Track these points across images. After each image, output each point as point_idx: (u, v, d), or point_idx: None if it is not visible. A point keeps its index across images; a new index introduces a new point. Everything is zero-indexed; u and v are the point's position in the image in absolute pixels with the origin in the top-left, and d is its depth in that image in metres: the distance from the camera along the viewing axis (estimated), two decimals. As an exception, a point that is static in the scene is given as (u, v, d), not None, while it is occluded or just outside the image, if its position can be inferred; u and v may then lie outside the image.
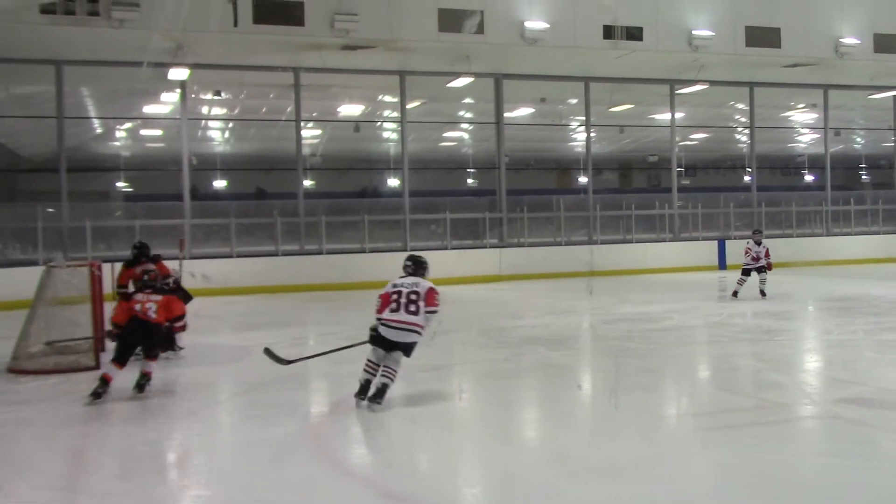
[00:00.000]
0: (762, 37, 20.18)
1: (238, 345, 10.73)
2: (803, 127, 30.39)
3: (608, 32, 18.78)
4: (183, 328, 9.34)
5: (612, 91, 23.53)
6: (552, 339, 10.87)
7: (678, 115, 23.79)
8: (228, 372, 9.20)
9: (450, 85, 20.53)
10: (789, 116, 29.62)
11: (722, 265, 22.08)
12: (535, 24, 18.06)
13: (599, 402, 7.67)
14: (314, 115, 24.23)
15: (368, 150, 29.56)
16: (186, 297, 9.41)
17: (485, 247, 20.80)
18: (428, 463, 5.71)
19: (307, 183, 21.92)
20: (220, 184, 30.41)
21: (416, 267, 7.61)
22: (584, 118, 22.81)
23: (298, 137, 19.79)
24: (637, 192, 32.06)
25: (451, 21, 17.61)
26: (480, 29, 17.86)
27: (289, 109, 20.75)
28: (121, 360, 7.51)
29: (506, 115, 22.07)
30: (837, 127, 27.78)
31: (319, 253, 19.20)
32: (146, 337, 7.70)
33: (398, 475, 5.35)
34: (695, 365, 9.42)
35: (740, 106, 25.62)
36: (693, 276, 20.07)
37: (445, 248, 20.31)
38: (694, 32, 19.48)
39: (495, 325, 12.39)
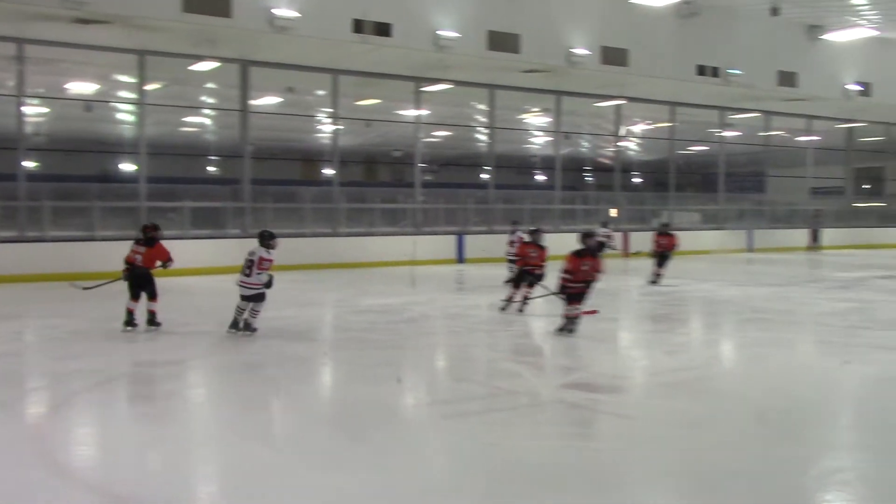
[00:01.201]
0: (503, 42, 21.15)
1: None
2: (538, 130, 32.28)
3: (358, 26, 18.86)
4: None
5: (359, 85, 23.70)
6: (295, 331, 10.77)
7: (423, 112, 24.40)
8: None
9: (193, 68, 19.74)
10: (525, 119, 31.36)
11: (460, 259, 22.92)
12: (285, 11, 17.78)
13: (342, 394, 7.67)
14: (40, 91, 22.34)
15: (101, 132, 27.69)
16: None
17: (226, 237, 20.20)
18: (160, 463, 5.42)
19: (30, 164, 20.17)
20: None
21: (261, 239, 10.09)
22: (331, 110, 22.80)
23: (20, 114, 18.18)
24: (382, 185, 32.56)
25: (196, 1, 16.88)
26: (227, 12, 17.29)
27: (11, 83, 18.96)
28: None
29: (252, 102, 21.56)
30: (567, 131, 29.75)
31: (42, 240, 17.74)
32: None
33: (127, 476, 5.04)
34: (433, 355, 9.69)
35: (481, 106, 26.72)
36: (433, 269, 20.66)
37: (185, 238, 19.49)
38: (440, 33, 20.05)
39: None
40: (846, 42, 26.85)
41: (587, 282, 10.20)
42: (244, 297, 10.06)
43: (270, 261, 9.97)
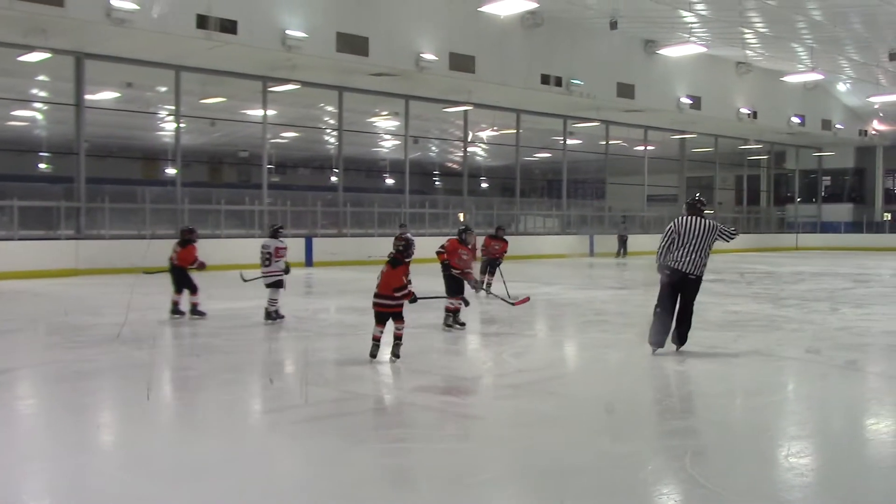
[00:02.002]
0: (352, 44, 21.08)
1: None
2: (386, 133, 32.36)
3: (202, 22, 18.34)
4: None
5: (204, 82, 23.04)
6: (134, 336, 10.29)
7: (270, 112, 23.98)
8: None
9: (22, 59, 18.62)
10: (374, 122, 31.38)
11: (309, 262, 22.68)
12: (123, 3, 17.05)
13: (183, 401, 7.40)
14: None
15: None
16: None
17: (59, 238, 19.14)
18: (-14, 478, 5.04)
19: None
20: None
21: (273, 233, 11.84)
22: (173, 107, 22.03)
23: None
24: (227, 186, 31.77)
25: (26, -12, 15.95)
26: (60, 1, 16.40)
27: None
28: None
29: (88, 97, 20.55)
30: (416, 135, 30.01)
31: None
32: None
33: (-56, 496, 4.65)
34: (282, 360, 9.50)
35: (330, 108, 26.54)
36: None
37: (12, 239, 18.33)
38: (288, 32, 19.78)
39: (70, 324, 11.44)
40: (679, 57, 28.38)
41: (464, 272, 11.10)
42: (267, 286, 11.34)
43: (285, 248, 11.47)
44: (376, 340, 8.58)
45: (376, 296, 8.59)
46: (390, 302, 8.52)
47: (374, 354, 8.54)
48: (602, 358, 9.49)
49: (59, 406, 6.99)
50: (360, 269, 16.34)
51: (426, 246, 14.10)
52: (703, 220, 9.06)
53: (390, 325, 8.63)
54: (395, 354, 8.60)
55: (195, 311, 11.82)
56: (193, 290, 11.85)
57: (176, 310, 11.82)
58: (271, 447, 5.74)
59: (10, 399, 7.24)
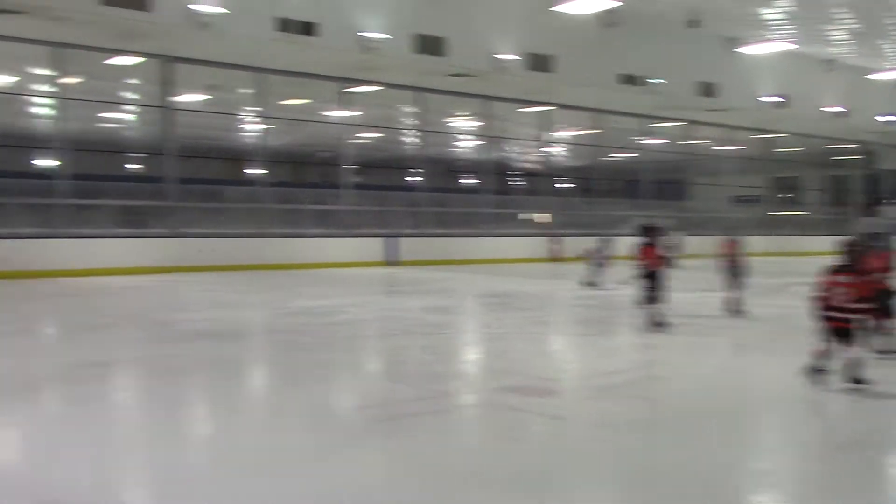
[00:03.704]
0: (429, 45, 21.15)
1: None
2: (466, 133, 32.39)
3: (283, 25, 18.63)
4: None
5: (286, 84, 23.41)
6: (222, 333, 10.49)
7: (352, 112, 24.23)
8: None
9: (112, 62, 19.20)
10: (453, 122, 31.43)
11: (391, 261, 22.83)
12: (207, 7, 17.43)
13: (273, 396, 7.50)
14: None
15: (14, 126, 26.68)
16: None
17: (149, 236, 19.68)
18: (89, 466, 5.18)
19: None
20: None
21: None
22: (258, 109, 22.44)
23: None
24: (310, 186, 32.20)
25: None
26: (145, 6, 16.87)
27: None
28: None
29: (175, 99, 21.08)
30: (495, 136, 29.95)
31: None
32: None
33: (56, 481, 4.80)
34: (366, 357, 9.56)
35: (409, 109, 26.68)
36: (364, 271, 20.52)
37: (105, 237, 18.91)
38: (366, 34, 19.95)
39: (161, 319, 11.73)
40: (764, 55, 27.66)
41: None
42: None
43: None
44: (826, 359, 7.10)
45: (833, 308, 7.00)
46: (853, 316, 6.97)
47: (818, 374, 7.17)
48: (697, 361, 9.28)
49: (152, 399, 7.15)
50: (441, 268, 16.42)
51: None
52: None
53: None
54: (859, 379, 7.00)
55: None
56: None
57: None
58: (359, 444, 5.75)
59: (107, 391, 7.44)
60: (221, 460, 5.33)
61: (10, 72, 22.28)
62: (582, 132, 31.48)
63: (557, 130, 31.95)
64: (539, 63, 23.33)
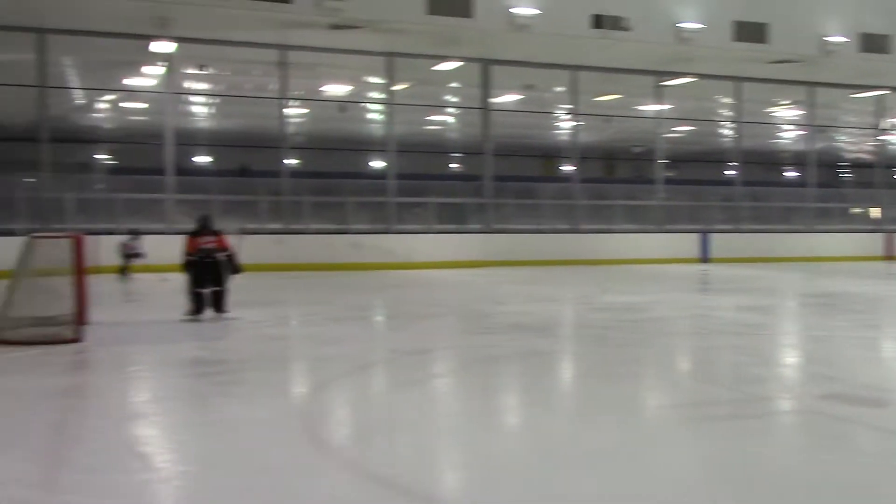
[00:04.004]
0: (749, 32, 20.23)
1: (221, 323, 10.65)
2: (787, 123, 30.54)
3: (597, 21, 18.75)
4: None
5: (598, 80, 23.53)
6: (536, 326, 10.86)
7: (663, 106, 23.84)
8: (212, 349, 9.14)
9: (437, 68, 20.46)
10: (773, 112, 29.76)
11: (704, 258, 22.21)
12: (524, 10, 18.00)
13: (583, 390, 7.67)
14: (299, 93, 24.03)
15: (354, 131, 29.36)
16: (236, 269, 10.73)
17: (468, 232, 20.79)
18: (410, 447, 5.67)
19: (292, 162, 21.79)
20: (203, 160, 30.09)
21: None
22: (570, 106, 22.79)
23: (283, 115, 19.66)
24: (621, 182, 32.11)
25: (440, 3, 17.49)
26: (469, 13, 17.78)
27: (274, 87, 20.57)
28: None
29: (493, 100, 22.03)
30: (821, 125, 27.96)
31: (302, 232, 19.12)
32: None
33: (380, 458, 5.30)
34: (677, 356, 9.43)
35: (725, 100, 25.69)
36: (676, 267, 20.15)
37: (429, 233, 20.28)
38: (682, 25, 19.50)
39: (479, 311, 12.37)
40: None
41: None
42: None
43: None
44: None
45: None
46: None
47: None
48: None
49: (469, 386, 7.61)
50: (760, 266, 15.68)
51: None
52: None
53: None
54: None
55: None
56: None
57: None
58: (670, 444, 5.73)
59: (429, 377, 8.03)
60: (532, 450, 5.55)
61: (350, 82, 24.55)
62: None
63: (894, 116, 29.09)
64: (873, 44, 21.42)
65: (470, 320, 11.66)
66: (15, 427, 5.83)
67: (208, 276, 10.69)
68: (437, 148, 31.98)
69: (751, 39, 20.31)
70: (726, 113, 26.33)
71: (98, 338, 9.13)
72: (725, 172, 26.54)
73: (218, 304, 10.75)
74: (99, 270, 16.26)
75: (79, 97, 25.45)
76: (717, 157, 28.35)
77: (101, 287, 14.07)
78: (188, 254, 10.76)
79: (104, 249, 15.82)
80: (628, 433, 5.85)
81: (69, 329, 8.83)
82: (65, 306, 8.92)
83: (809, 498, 4.63)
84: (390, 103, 20.82)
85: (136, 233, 16.25)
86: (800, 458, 5.48)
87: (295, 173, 21.38)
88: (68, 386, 7.23)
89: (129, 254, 16.15)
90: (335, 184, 21.98)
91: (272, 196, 19.35)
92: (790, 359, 9.32)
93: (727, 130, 26.63)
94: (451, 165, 32.52)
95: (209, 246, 10.68)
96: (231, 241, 11.14)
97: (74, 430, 5.89)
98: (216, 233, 10.87)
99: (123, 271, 16.25)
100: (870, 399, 6.99)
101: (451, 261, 19.19)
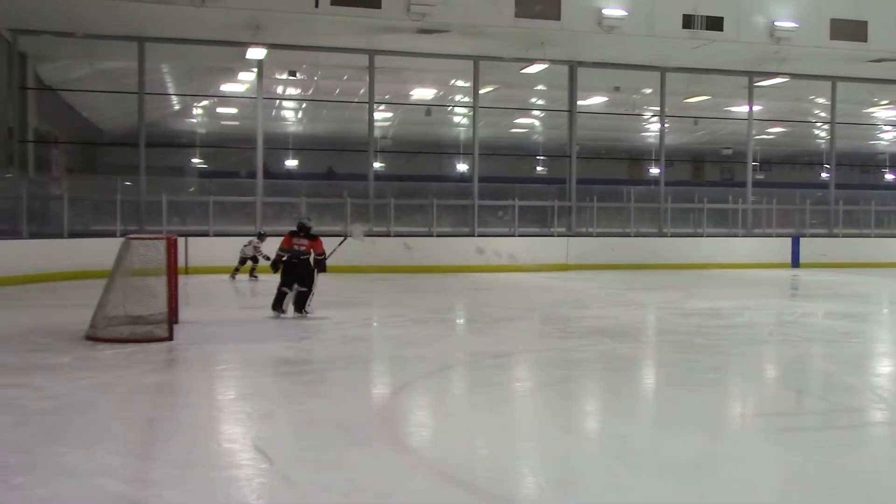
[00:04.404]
0: (847, 30, 19.58)
1: (306, 323, 10.88)
2: (886, 124, 29.47)
3: (687, 22, 18.44)
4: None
5: (688, 82, 23.12)
6: (618, 330, 10.76)
7: (755, 108, 23.28)
8: (297, 349, 9.35)
9: (524, 71, 20.42)
10: (871, 112, 28.74)
11: (795, 263, 21.61)
12: (613, 11, 17.82)
13: (665, 397, 7.57)
14: (387, 97, 24.34)
15: (438, 135, 29.59)
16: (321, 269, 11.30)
17: (552, 235, 20.70)
18: (489, 449, 5.70)
19: (377, 165, 22.06)
20: (291, 163, 30.80)
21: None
22: (658, 108, 22.47)
23: (371, 119, 19.93)
24: (709, 185, 31.50)
25: (527, 6, 17.46)
26: (557, 15, 17.70)
27: (362, 91, 20.88)
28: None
29: (579, 103, 21.87)
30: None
31: (388, 235, 19.33)
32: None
33: (459, 460, 5.35)
34: (764, 364, 9.21)
35: (820, 100, 24.94)
36: (765, 272, 19.65)
37: (513, 235, 20.27)
38: (776, 24, 19.00)
39: (561, 315, 12.32)
40: None
41: None
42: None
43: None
44: None
45: None
46: None
47: None
48: None
49: (549, 390, 7.59)
50: (852, 271, 15.14)
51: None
52: None
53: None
54: None
55: None
56: None
57: None
58: (748, 453, 5.61)
59: (508, 380, 8.05)
60: (611, 457, 5.51)
61: (436, 85, 24.74)
62: None
63: None
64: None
65: (552, 324, 11.63)
66: (108, 422, 6.10)
67: (294, 276, 11.06)
68: (520, 151, 31.97)
69: (849, 38, 19.65)
70: (821, 114, 25.54)
71: (188, 336, 9.45)
72: (819, 175, 25.76)
73: (300, 304, 11.07)
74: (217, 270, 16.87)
75: (175, 103, 26.36)
76: (811, 159, 27.53)
77: (217, 287, 14.56)
78: (281, 249, 11.30)
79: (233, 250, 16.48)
80: (711, 443, 5.76)
81: (161, 328, 9.15)
82: (158, 305, 9.24)
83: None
84: (476, 106, 20.88)
85: (263, 235, 16.68)
86: (892, 472, 5.31)
87: (380, 176, 21.65)
88: (159, 383, 7.50)
89: (254, 256, 16.54)
90: (419, 186, 22.16)
91: (358, 199, 19.62)
92: (884, 368, 9.00)
93: (821, 132, 25.84)
94: (536, 168, 32.47)
95: (301, 248, 11.16)
96: (341, 243, 12.07)
97: (165, 425, 6.11)
98: (312, 237, 11.33)
99: (251, 272, 16.64)
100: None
101: (534, 264, 19.14)
